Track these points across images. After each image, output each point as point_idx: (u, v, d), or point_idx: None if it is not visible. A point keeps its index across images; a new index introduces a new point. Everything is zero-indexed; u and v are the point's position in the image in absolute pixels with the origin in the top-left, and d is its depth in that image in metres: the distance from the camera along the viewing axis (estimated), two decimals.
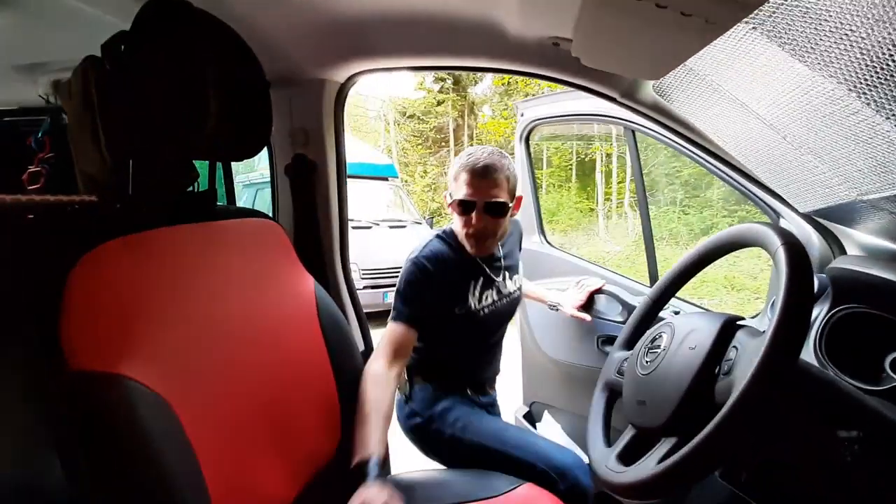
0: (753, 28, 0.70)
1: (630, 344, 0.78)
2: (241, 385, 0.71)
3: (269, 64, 0.81)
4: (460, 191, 1.03)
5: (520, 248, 1.29)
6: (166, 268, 0.67)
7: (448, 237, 1.10)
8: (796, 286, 0.46)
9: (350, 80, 1.10)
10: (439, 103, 13.57)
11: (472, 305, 1.09)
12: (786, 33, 0.67)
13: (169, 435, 0.56)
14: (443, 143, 13.56)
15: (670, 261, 1.60)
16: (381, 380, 0.91)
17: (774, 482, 0.50)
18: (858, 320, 0.70)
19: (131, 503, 0.54)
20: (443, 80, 13.42)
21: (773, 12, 0.66)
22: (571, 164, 10.27)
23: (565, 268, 1.68)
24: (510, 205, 1.05)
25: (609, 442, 0.67)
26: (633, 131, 1.41)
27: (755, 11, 0.59)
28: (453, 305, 1.06)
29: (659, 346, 0.63)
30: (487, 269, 1.12)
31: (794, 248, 0.50)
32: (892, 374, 0.62)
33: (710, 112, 0.89)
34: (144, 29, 0.66)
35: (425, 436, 1.11)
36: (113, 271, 0.59)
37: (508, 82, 12.20)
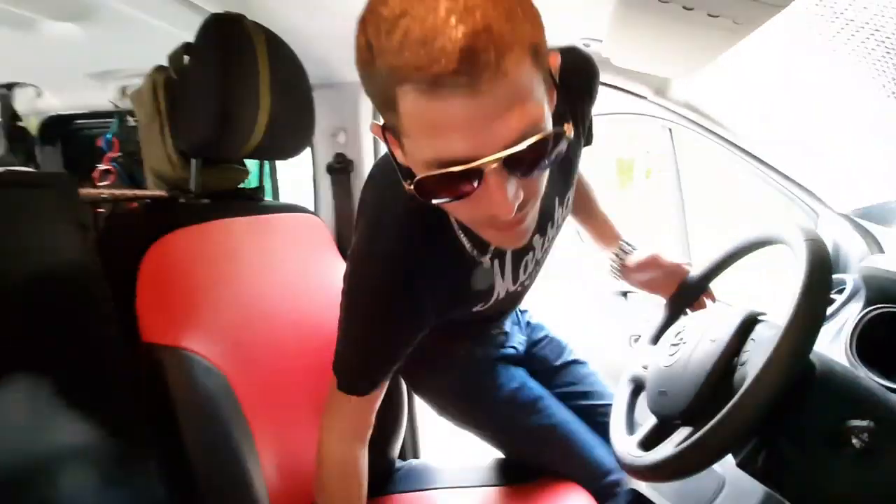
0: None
1: (656, 339, 0.80)
2: (288, 365, 0.77)
3: (312, 69, 0.87)
4: (427, 146, 0.41)
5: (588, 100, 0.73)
6: (223, 256, 0.74)
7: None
8: (812, 282, 0.47)
9: None
10: None
11: (504, 290, 0.67)
12: (823, 27, 0.67)
13: (227, 406, 0.63)
14: None
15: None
16: (352, 478, 0.66)
17: (786, 468, 0.52)
18: (893, 320, 0.69)
19: (193, 467, 0.61)
20: None
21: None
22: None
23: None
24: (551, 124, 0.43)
25: (631, 431, 0.69)
26: (670, 129, 1.37)
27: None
28: (472, 306, 0.67)
29: (682, 339, 0.64)
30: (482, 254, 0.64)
31: (815, 245, 0.51)
32: None
33: (745, 109, 0.89)
34: (206, 40, 0.73)
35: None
36: (179, 257, 0.66)
37: None
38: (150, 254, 0.62)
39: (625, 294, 1.35)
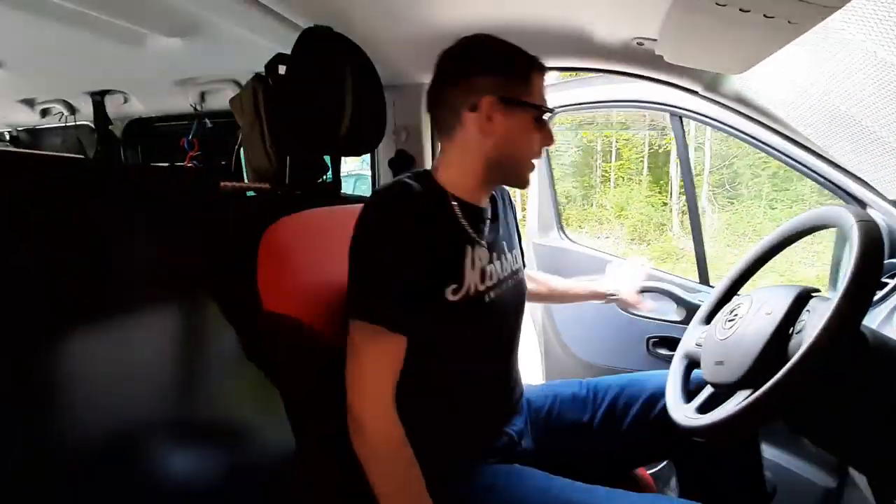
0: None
1: (709, 319, 0.85)
2: None
3: (380, 71, 0.96)
4: (537, 96, 0.73)
5: (515, 216, 0.93)
6: (318, 239, 0.84)
7: (423, 178, 0.73)
8: (866, 256, 0.52)
9: None
10: None
11: (473, 285, 0.71)
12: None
13: (329, 361, 0.73)
14: None
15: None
16: (403, 452, 0.65)
17: (841, 431, 0.57)
18: None
19: (308, 416, 0.71)
20: None
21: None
22: (643, 156, 9.85)
23: (588, 265, 1.47)
24: None
25: (687, 400, 0.75)
26: (680, 118, 1.31)
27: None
28: (443, 284, 0.68)
29: (737, 315, 0.70)
30: (484, 228, 0.77)
31: (867, 225, 0.56)
32: None
33: (793, 101, 0.93)
34: (303, 51, 0.83)
35: None
36: (286, 240, 0.77)
37: None
38: (266, 236, 0.73)
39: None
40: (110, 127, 1.61)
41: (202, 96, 1.46)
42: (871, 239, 0.55)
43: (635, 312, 1.31)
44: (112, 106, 1.59)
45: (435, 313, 0.69)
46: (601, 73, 1.29)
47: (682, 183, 9.44)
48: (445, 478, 0.70)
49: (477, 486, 0.71)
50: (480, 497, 0.70)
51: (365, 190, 3.13)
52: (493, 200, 0.83)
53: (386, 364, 0.66)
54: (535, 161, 0.77)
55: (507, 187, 0.92)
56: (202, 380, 0.66)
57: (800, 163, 1.03)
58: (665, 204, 9.50)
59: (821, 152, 0.98)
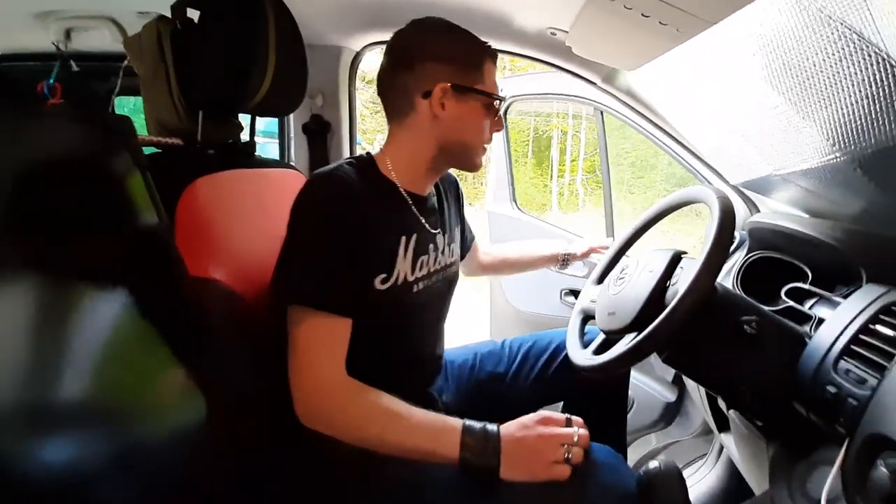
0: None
1: (601, 280, 1.00)
2: None
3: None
4: (489, 84, 0.76)
5: (460, 206, 0.97)
6: (235, 202, 0.80)
7: (364, 164, 0.75)
8: (722, 226, 0.67)
9: (364, 48, 1.22)
10: None
11: (403, 275, 0.74)
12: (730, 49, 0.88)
13: (249, 325, 0.71)
14: None
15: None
16: (374, 397, 0.66)
17: (700, 357, 0.73)
18: (767, 262, 0.95)
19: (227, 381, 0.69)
20: None
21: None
22: (528, 140, 10.53)
23: (534, 232, 1.83)
24: None
25: (585, 347, 0.88)
26: (601, 112, 1.60)
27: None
28: (373, 274, 0.70)
29: (626, 274, 0.84)
30: (422, 218, 0.78)
31: (725, 203, 0.71)
32: (785, 298, 0.87)
33: (672, 100, 1.11)
34: None
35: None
36: (202, 201, 0.72)
37: None
38: (184, 197, 0.68)
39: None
40: None
41: (67, 34, 1.24)
42: (727, 213, 0.70)
43: (552, 269, 1.50)
44: None
45: (363, 302, 0.69)
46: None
47: (562, 168, 10.27)
48: None
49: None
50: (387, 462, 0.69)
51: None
52: (436, 190, 0.86)
53: (332, 347, 0.66)
54: (486, 146, 0.80)
55: (455, 177, 0.95)
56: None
57: (673, 151, 1.23)
58: (546, 185, 10.34)
59: (689, 145, 1.18)
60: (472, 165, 0.80)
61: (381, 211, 0.72)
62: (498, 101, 0.78)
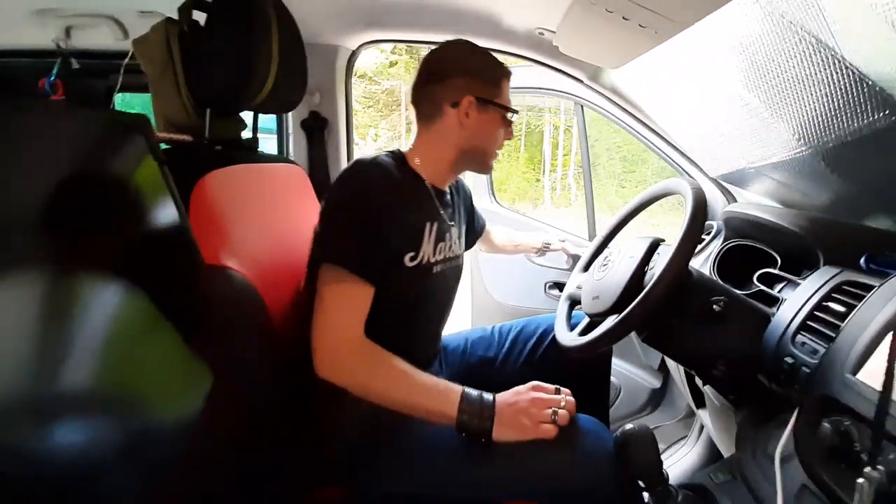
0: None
1: (587, 268, 1.06)
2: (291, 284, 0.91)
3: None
4: (505, 98, 0.88)
5: (472, 209, 1.11)
6: (242, 196, 0.84)
7: (398, 158, 0.86)
8: (694, 215, 0.73)
9: (361, 47, 1.26)
10: (392, 64, 13.27)
11: (427, 256, 0.83)
12: (707, 49, 0.94)
13: (261, 312, 0.76)
14: (394, 107, 13.31)
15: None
16: (387, 356, 0.74)
17: (673, 334, 0.79)
18: (741, 250, 1.02)
19: (238, 367, 0.74)
20: None
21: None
22: (520, 135, 10.58)
23: (514, 226, 1.73)
24: None
25: (571, 329, 0.94)
26: (582, 106, 1.58)
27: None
28: (405, 251, 0.80)
29: (610, 261, 0.90)
30: (442, 210, 0.89)
31: (698, 194, 0.77)
32: (756, 283, 0.94)
33: (654, 97, 1.17)
34: None
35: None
36: (213, 194, 0.76)
37: None
38: (197, 189, 0.72)
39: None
40: None
41: (67, 32, 1.26)
42: (699, 203, 0.76)
43: (537, 262, 1.60)
44: None
45: (392, 275, 0.78)
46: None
47: (554, 162, 10.32)
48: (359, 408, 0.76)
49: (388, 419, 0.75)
50: (391, 428, 0.76)
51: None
52: (450, 190, 0.96)
53: (357, 309, 0.74)
54: (497, 151, 0.91)
55: (467, 186, 1.08)
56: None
57: (655, 146, 1.29)
58: (538, 180, 10.41)
59: (670, 139, 1.25)
60: (486, 167, 0.93)
61: (413, 198, 0.83)
62: (512, 114, 0.89)
